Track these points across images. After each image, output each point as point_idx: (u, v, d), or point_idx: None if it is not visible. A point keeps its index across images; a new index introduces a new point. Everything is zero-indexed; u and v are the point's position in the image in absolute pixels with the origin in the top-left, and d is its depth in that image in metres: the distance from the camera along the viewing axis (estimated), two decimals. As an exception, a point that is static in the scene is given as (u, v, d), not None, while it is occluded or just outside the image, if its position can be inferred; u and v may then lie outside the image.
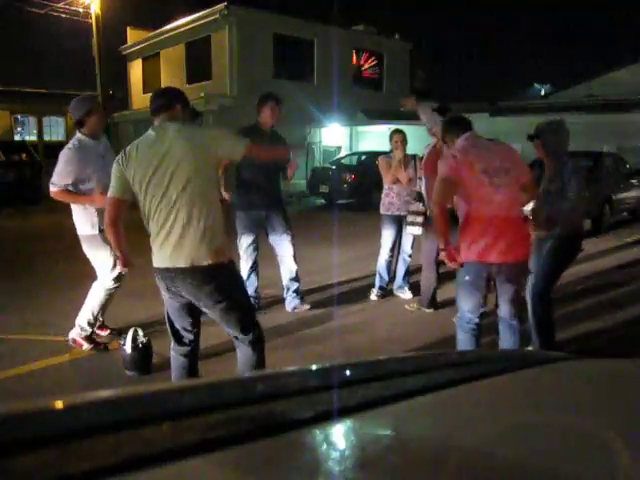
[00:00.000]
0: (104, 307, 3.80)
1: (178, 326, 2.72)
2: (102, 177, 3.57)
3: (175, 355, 2.77)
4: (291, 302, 4.71)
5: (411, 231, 4.76)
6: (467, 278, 2.97)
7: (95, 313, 3.74)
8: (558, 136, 3.49)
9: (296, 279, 4.70)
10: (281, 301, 4.94)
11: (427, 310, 4.71)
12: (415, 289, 5.13)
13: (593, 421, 0.73)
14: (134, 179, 2.50)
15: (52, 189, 3.60)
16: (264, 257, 4.82)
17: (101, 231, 3.59)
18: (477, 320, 3.06)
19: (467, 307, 3.04)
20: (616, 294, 5.29)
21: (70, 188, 3.57)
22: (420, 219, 4.63)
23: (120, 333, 3.88)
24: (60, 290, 5.37)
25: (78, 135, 3.65)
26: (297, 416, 0.62)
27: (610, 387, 0.92)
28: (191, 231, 2.45)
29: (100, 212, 3.57)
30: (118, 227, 2.63)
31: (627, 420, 0.74)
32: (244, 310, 2.70)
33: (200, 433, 0.56)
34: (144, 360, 3.44)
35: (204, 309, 2.62)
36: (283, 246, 4.61)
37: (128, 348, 3.37)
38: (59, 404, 0.57)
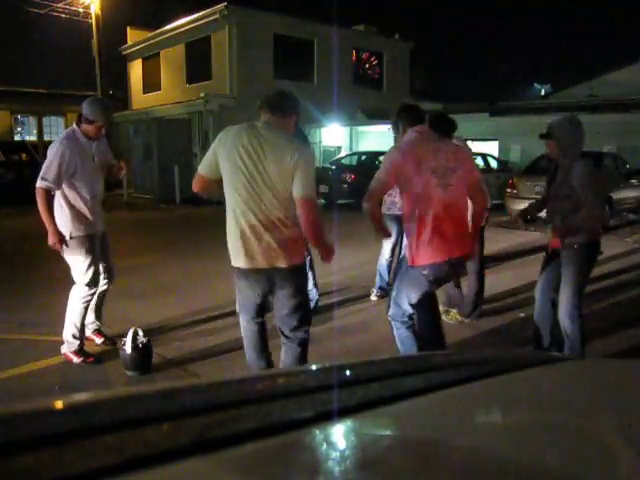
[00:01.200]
0: (85, 316, 3.68)
1: (246, 305, 2.85)
2: (84, 175, 3.54)
3: (247, 325, 2.89)
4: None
5: None
6: (430, 278, 2.95)
7: (78, 324, 3.62)
8: (576, 133, 3.34)
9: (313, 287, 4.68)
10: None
11: (466, 320, 4.52)
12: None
13: (594, 421, 0.73)
14: (222, 161, 2.60)
15: (38, 184, 3.43)
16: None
17: (72, 238, 3.53)
18: (411, 311, 3.09)
19: (412, 302, 3.03)
20: (616, 294, 5.28)
21: (52, 186, 3.43)
22: None
23: (114, 343, 3.80)
24: (60, 290, 5.36)
25: (72, 127, 3.58)
26: (297, 416, 0.62)
27: (610, 387, 0.92)
28: (276, 233, 2.60)
29: (76, 218, 3.54)
30: (206, 190, 2.77)
31: (628, 420, 0.74)
32: (307, 309, 2.94)
33: (200, 433, 0.56)
34: (144, 360, 3.44)
35: (275, 302, 2.82)
36: None
37: (128, 348, 3.37)
38: (59, 404, 0.57)
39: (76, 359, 3.61)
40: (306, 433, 0.59)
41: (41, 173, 3.44)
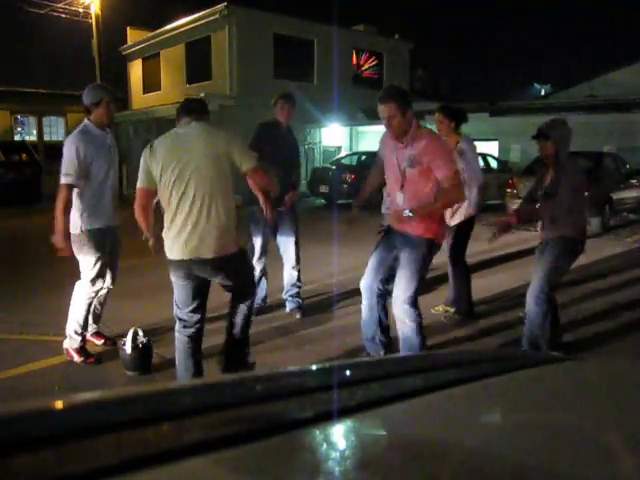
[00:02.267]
0: (88, 313, 3.67)
1: (184, 310, 2.96)
2: (102, 165, 3.56)
3: (180, 336, 2.99)
4: (288, 305, 4.70)
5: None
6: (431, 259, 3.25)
7: (81, 321, 3.61)
8: (568, 134, 3.42)
9: (295, 284, 4.68)
10: (282, 301, 4.94)
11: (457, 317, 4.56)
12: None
13: (593, 421, 0.73)
14: (159, 172, 2.77)
15: (62, 181, 3.47)
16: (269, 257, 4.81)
17: (83, 232, 3.54)
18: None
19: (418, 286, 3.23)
20: (616, 294, 5.29)
21: (76, 181, 3.44)
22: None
23: (114, 343, 3.79)
24: (60, 290, 5.36)
25: (84, 122, 3.59)
26: (297, 416, 0.62)
27: (610, 387, 0.92)
28: (212, 224, 2.75)
29: (90, 210, 3.56)
30: (148, 213, 2.92)
31: (627, 420, 0.74)
32: (250, 283, 3.19)
33: (200, 433, 0.56)
34: (144, 360, 3.44)
35: (218, 280, 3.00)
36: (288, 249, 4.61)
37: (128, 348, 3.37)
38: (59, 404, 0.57)
39: (77, 358, 3.61)
40: (306, 433, 0.59)
41: (63, 170, 3.46)
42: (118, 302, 4.21)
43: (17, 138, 20.53)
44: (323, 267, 6.08)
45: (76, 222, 3.55)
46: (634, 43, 45.49)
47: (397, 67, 21.03)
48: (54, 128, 21.70)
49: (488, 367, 0.94)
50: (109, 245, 3.69)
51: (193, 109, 2.91)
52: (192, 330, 2.97)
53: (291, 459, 0.56)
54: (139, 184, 2.86)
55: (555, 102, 17.58)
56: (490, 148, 15.38)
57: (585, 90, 17.95)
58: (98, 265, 3.59)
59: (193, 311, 2.96)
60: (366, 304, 3.46)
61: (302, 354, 3.76)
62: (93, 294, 3.66)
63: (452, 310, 4.56)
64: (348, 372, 0.85)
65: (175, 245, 2.81)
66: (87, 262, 3.59)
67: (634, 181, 10.75)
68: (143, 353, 3.42)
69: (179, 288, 2.95)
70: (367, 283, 3.40)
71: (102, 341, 3.94)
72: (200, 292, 2.97)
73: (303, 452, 0.57)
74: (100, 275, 3.63)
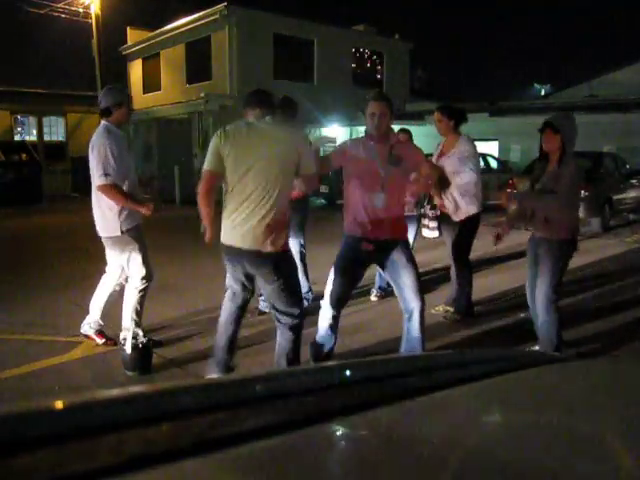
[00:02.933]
0: (142, 308, 3.78)
1: (233, 283, 3.09)
2: (129, 163, 3.67)
3: (228, 303, 3.15)
4: (263, 304, 4.67)
5: (428, 234, 4.68)
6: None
7: (138, 312, 3.75)
8: (576, 129, 3.35)
9: None
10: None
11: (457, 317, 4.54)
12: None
13: (593, 421, 0.73)
14: (233, 160, 2.83)
15: (104, 182, 3.43)
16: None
17: (124, 232, 3.57)
18: None
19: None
20: (616, 294, 5.29)
21: (115, 180, 3.46)
22: (434, 224, 4.53)
23: (116, 343, 3.79)
24: (60, 290, 5.37)
25: (104, 123, 3.59)
26: (297, 416, 0.62)
27: (610, 387, 0.92)
28: (272, 220, 2.82)
29: (127, 212, 3.58)
30: (211, 199, 2.94)
31: (627, 420, 0.74)
32: (294, 294, 3.08)
33: (200, 433, 0.56)
34: (144, 360, 3.44)
35: (262, 284, 3.04)
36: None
37: (128, 348, 3.37)
38: (59, 404, 0.57)
39: (129, 350, 3.50)
40: (306, 433, 0.59)
41: (100, 171, 3.45)
42: (118, 302, 4.19)
43: (17, 138, 20.51)
44: (323, 267, 6.07)
45: (114, 224, 3.58)
46: (634, 43, 45.51)
47: (397, 67, 21.02)
48: (54, 128, 21.68)
49: (488, 367, 0.94)
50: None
51: (263, 101, 2.97)
52: (239, 301, 3.12)
53: (291, 459, 0.56)
54: (207, 166, 2.89)
55: (555, 102, 17.57)
56: (490, 148, 15.37)
57: (585, 90, 17.94)
58: (146, 260, 3.70)
59: (243, 289, 3.09)
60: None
61: (302, 354, 3.76)
62: (144, 291, 3.76)
63: (452, 310, 4.56)
64: (348, 372, 0.85)
65: (233, 232, 2.88)
66: (135, 261, 3.66)
67: (634, 181, 10.75)
68: (143, 353, 3.42)
69: (230, 272, 3.08)
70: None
71: (103, 340, 3.95)
72: (247, 280, 3.05)
73: (303, 452, 0.57)
74: (149, 269, 3.73)
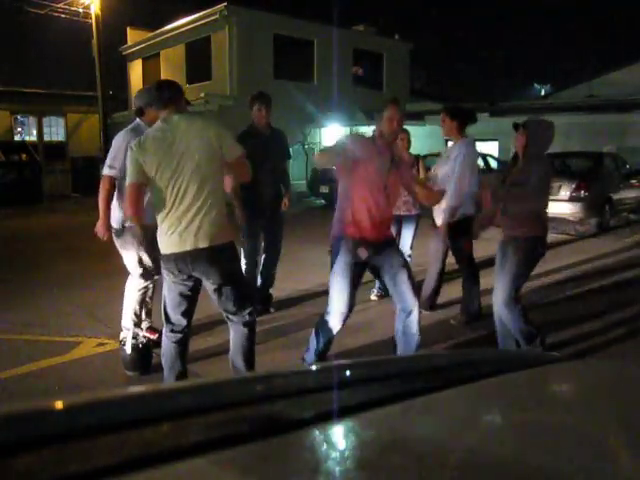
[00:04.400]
0: (142, 307, 3.76)
1: (174, 313, 2.91)
2: None
3: (168, 341, 2.96)
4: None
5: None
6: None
7: (137, 312, 3.73)
8: (547, 134, 3.46)
9: (266, 286, 4.75)
10: (281, 301, 4.94)
11: (424, 312, 4.65)
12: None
13: (593, 421, 0.73)
14: (154, 168, 2.68)
15: (105, 172, 3.48)
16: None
17: (122, 228, 3.57)
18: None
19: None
20: (616, 294, 5.29)
21: (119, 174, 3.46)
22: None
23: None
24: (60, 290, 5.37)
25: (137, 121, 3.64)
26: (297, 416, 0.62)
27: (609, 387, 0.92)
28: (207, 216, 2.70)
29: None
30: (139, 209, 2.83)
31: (626, 420, 0.74)
32: (244, 288, 2.98)
33: (200, 433, 0.56)
34: (144, 360, 3.44)
35: (210, 286, 2.85)
36: (270, 254, 4.68)
37: (128, 348, 3.37)
38: (59, 404, 0.57)
39: (129, 349, 3.58)
40: (306, 433, 0.59)
41: (107, 162, 3.49)
42: (118, 302, 4.19)
43: (17, 138, 20.51)
44: (324, 268, 6.08)
45: (117, 217, 3.57)
46: (634, 43, 45.44)
47: (397, 67, 21.02)
48: (54, 128, 21.68)
49: (488, 367, 0.94)
50: (150, 239, 3.78)
51: (170, 99, 2.79)
52: (180, 335, 2.95)
53: (291, 459, 0.56)
54: (130, 180, 2.76)
55: (555, 102, 17.57)
56: (490, 148, 15.37)
57: (585, 90, 17.94)
58: (144, 259, 3.65)
59: (182, 314, 2.91)
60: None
61: (302, 354, 3.76)
62: (144, 288, 3.74)
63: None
64: (348, 372, 0.85)
65: (171, 239, 2.74)
66: (132, 257, 3.65)
67: (634, 181, 10.75)
68: (143, 353, 3.42)
69: (171, 288, 2.88)
70: None
71: (156, 335, 3.95)
72: (190, 295, 2.90)
73: (303, 452, 0.57)
74: (148, 268, 3.69)
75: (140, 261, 3.63)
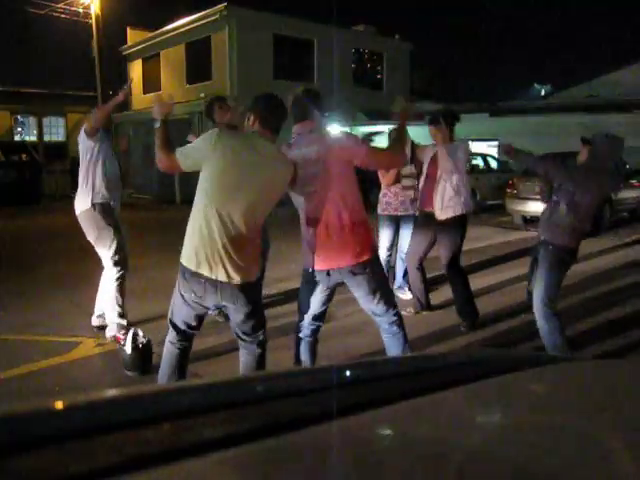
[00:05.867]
0: (123, 296, 3.86)
1: (181, 323, 2.73)
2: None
3: (171, 347, 2.79)
4: None
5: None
6: (303, 283, 2.89)
7: (119, 303, 3.83)
8: (612, 149, 3.41)
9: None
10: (277, 301, 4.94)
11: (423, 312, 4.68)
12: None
13: (593, 421, 0.73)
14: (214, 169, 2.46)
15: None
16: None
17: (95, 205, 3.76)
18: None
19: (303, 309, 2.98)
20: (616, 294, 5.29)
21: None
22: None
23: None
24: (60, 290, 5.37)
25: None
26: (297, 416, 0.62)
27: (610, 387, 0.92)
28: (246, 250, 2.51)
29: (99, 189, 3.79)
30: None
31: (627, 420, 0.74)
32: (262, 315, 2.85)
33: (200, 433, 0.56)
34: (144, 360, 3.43)
35: (231, 312, 2.69)
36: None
37: (128, 348, 3.37)
38: (59, 404, 0.57)
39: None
40: (306, 433, 0.59)
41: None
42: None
43: (17, 138, 20.53)
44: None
45: (86, 198, 3.83)
46: (634, 43, 45.49)
47: (397, 67, 21.02)
48: (54, 128, 21.70)
49: (488, 367, 0.94)
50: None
51: (279, 128, 2.62)
52: (186, 343, 2.80)
53: (291, 459, 0.56)
54: (180, 156, 2.53)
55: (555, 102, 17.58)
56: (490, 148, 15.37)
57: (585, 90, 17.95)
58: (115, 242, 3.83)
59: (193, 328, 2.77)
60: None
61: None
62: (121, 278, 3.85)
63: (415, 310, 4.65)
64: (348, 372, 0.85)
65: (200, 256, 2.48)
66: (105, 242, 3.82)
67: (634, 181, 10.75)
68: (143, 353, 3.41)
69: (185, 305, 2.65)
70: None
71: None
72: (204, 315, 2.79)
73: (303, 452, 0.57)
74: (121, 254, 3.85)
75: (112, 243, 3.80)
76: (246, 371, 2.85)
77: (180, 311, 2.69)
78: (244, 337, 2.79)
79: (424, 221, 4.46)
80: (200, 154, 2.49)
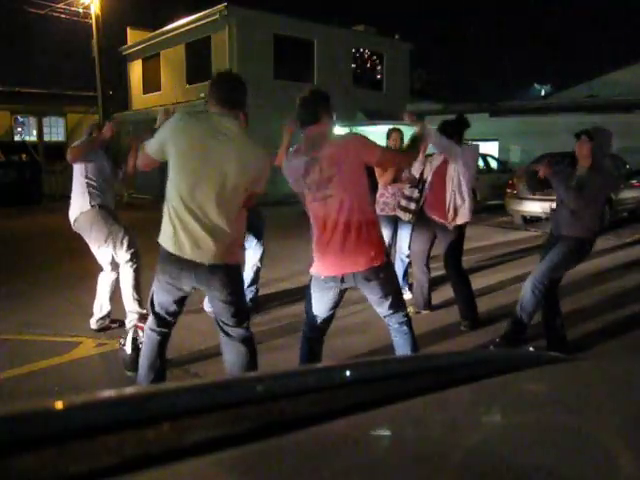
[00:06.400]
0: (140, 287, 3.98)
1: (160, 308, 2.78)
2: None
3: (151, 334, 2.83)
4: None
5: (402, 216, 4.71)
6: (312, 291, 2.83)
7: (139, 293, 3.96)
8: (609, 142, 3.54)
9: (252, 278, 4.81)
10: (279, 301, 4.94)
11: (424, 312, 4.69)
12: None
13: (593, 421, 0.73)
14: (176, 154, 2.52)
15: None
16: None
17: (93, 206, 3.87)
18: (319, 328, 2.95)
19: (311, 314, 2.90)
20: (616, 294, 5.29)
21: None
22: (413, 206, 4.54)
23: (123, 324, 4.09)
24: (60, 290, 5.38)
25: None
26: (297, 416, 0.62)
27: (610, 387, 0.92)
28: (221, 231, 2.54)
29: (95, 190, 3.90)
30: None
31: (627, 420, 0.74)
32: (242, 305, 2.84)
33: (200, 433, 0.56)
34: (144, 360, 3.44)
35: (210, 298, 2.79)
36: (254, 252, 4.74)
37: (128, 348, 3.36)
38: (59, 404, 0.57)
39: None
40: (306, 433, 0.59)
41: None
42: (118, 302, 4.20)
43: (17, 138, 20.54)
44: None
45: (83, 201, 3.92)
46: (634, 43, 45.51)
47: (397, 67, 21.02)
48: (54, 128, 21.70)
49: (488, 367, 0.94)
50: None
51: (236, 100, 2.62)
52: (165, 330, 2.83)
53: (291, 459, 0.56)
54: (149, 150, 2.62)
55: (555, 102, 17.59)
56: (490, 148, 15.38)
57: (585, 90, 17.95)
58: (126, 236, 3.95)
59: (171, 314, 2.79)
60: None
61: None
62: (138, 270, 3.98)
63: (417, 310, 4.65)
64: (348, 372, 0.85)
65: (174, 238, 2.55)
66: (116, 236, 3.93)
67: (634, 181, 10.75)
68: (143, 353, 3.41)
69: (162, 290, 2.71)
70: None
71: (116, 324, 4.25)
72: (184, 299, 2.80)
73: (303, 452, 0.57)
74: (133, 245, 3.97)
75: (123, 238, 3.91)
76: (232, 369, 2.77)
77: (158, 296, 2.75)
78: (225, 328, 2.74)
79: (424, 220, 4.46)
80: (162, 137, 2.57)
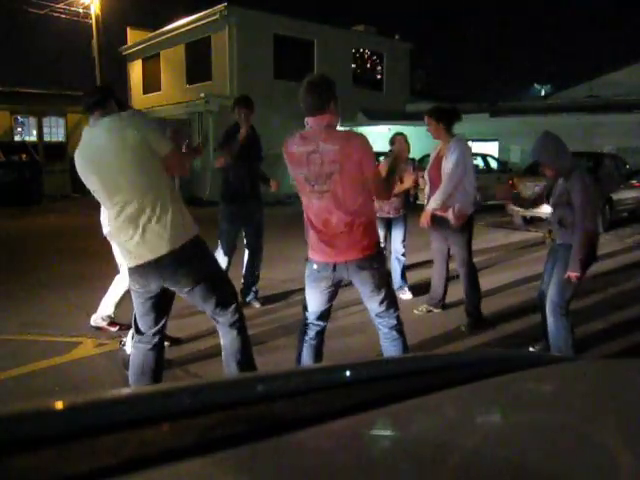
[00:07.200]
0: (121, 299, 4.03)
1: (142, 323, 2.76)
2: None
3: (139, 345, 2.77)
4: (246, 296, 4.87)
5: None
6: (306, 282, 2.85)
7: (113, 305, 4.06)
8: (555, 148, 3.38)
9: (252, 279, 4.89)
10: (280, 301, 4.94)
11: (436, 310, 4.66)
12: (415, 290, 5.14)
13: (594, 422, 0.73)
14: (89, 184, 2.60)
15: None
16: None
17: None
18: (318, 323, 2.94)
19: (308, 307, 2.93)
20: (616, 294, 5.28)
21: None
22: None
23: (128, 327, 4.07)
24: (60, 290, 5.37)
25: None
26: (297, 416, 0.62)
27: (610, 387, 0.92)
28: (154, 222, 2.48)
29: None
30: None
31: (627, 420, 0.74)
32: (222, 284, 2.77)
33: (200, 433, 0.56)
34: (144, 360, 3.44)
35: (183, 294, 2.67)
36: (253, 253, 4.83)
37: (128, 348, 3.36)
38: (59, 404, 0.57)
39: (113, 328, 4.15)
40: (306, 433, 0.59)
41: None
42: (125, 307, 4.20)
43: (17, 138, 20.52)
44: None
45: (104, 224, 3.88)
46: (634, 43, 45.52)
47: (397, 67, 21.01)
48: (54, 128, 21.68)
49: (488, 367, 0.94)
50: None
51: (97, 102, 2.61)
52: (148, 346, 2.76)
53: (291, 459, 0.56)
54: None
55: (555, 102, 17.59)
56: (490, 148, 15.37)
57: (585, 90, 17.95)
58: None
59: (150, 324, 2.74)
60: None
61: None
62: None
63: (429, 309, 4.66)
64: (348, 372, 0.85)
65: (127, 249, 2.57)
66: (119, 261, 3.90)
67: (634, 181, 10.75)
68: (143, 353, 3.41)
69: (139, 302, 2.69)
70: None
71: (117, 328, 4.21)
72: (161, 306, 2.73)
73: (303, 452, 0.57)
74: None
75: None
76: (227, 355, 2.81)
77: (138, 309, 2.74)
78: (216, 317, 2.75)
79: (435, 218, 4.36)
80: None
